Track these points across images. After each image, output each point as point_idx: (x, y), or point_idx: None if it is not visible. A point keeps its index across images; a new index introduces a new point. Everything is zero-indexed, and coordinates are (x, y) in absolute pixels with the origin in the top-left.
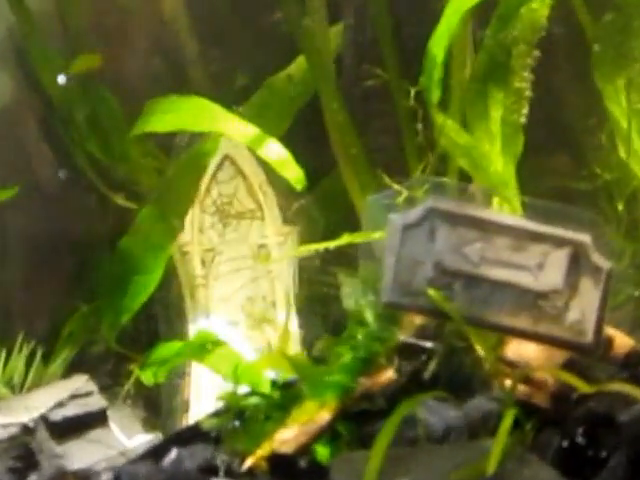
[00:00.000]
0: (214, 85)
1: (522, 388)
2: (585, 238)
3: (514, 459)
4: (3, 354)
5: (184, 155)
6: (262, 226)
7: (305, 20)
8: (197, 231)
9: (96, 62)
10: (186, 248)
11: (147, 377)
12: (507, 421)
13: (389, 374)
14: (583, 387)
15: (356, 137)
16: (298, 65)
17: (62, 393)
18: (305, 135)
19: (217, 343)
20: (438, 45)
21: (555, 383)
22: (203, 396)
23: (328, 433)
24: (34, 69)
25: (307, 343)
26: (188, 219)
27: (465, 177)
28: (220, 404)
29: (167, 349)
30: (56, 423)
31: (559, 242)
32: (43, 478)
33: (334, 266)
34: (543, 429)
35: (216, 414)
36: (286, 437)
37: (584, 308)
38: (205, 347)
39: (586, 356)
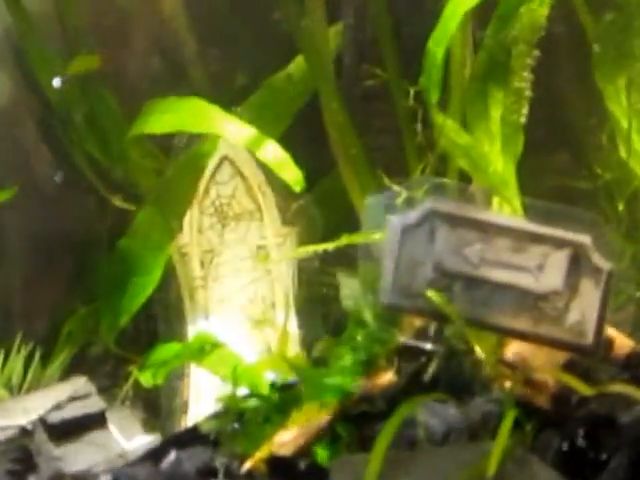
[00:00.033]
0: (213, 85)
1: (522, 389)
2: (585, 239)
3: (514, 460)
4: (1, 355)
5: (183, 156)
6: (261, 227)
7: (304, 20)
8: (196, 232)
9: (95, 63)
10: (185, 249)
11: (146, 379)
12: (507, 422)
13: (389, 376)
14: (584, 388)
15: (356, 137)
16: (297, 65)
17: (60, 395)
18: (304, 135)
19: (216, 345)
20: (438, 45)
21: (555, 384)
22: (202, 398)
23: (328, 435)
24: (32, 70)
25: (307, 344)
26: (187, 220)
27: (465, 177)
28: (219, 406)
29: (166, 350)
30: (54, 425)
31: (559, 243)
32: None
33: (333, 267)
34: (543, 430)
35: (215, 416)
36: (285, 439)
37: (584, 309)
38: (204, 349)
39: (587, 357)
